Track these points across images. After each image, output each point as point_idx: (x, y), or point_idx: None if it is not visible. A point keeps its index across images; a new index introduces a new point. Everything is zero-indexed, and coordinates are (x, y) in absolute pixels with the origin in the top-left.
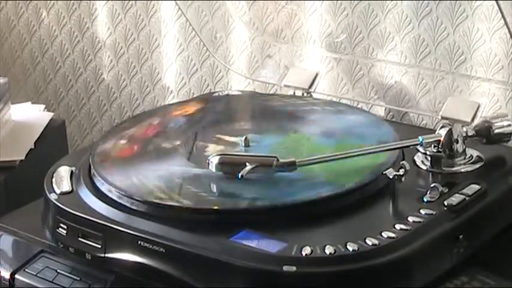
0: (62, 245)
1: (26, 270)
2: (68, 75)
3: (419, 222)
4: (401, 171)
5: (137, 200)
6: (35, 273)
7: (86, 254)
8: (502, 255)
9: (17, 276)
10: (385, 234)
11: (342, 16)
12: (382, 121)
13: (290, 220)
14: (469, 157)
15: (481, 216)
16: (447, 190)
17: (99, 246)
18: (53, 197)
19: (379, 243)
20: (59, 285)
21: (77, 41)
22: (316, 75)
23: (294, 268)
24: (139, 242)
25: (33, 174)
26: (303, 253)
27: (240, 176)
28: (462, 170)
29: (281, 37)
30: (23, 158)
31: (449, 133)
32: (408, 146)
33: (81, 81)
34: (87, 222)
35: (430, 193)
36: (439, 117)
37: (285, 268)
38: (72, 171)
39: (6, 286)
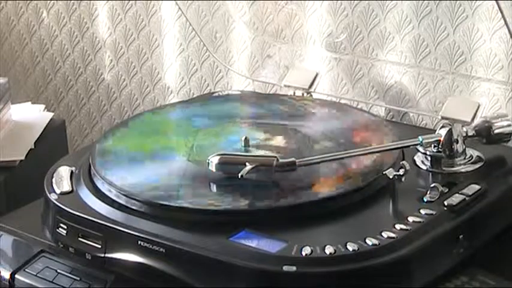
0: (62, 245)
1: (26, 270)
2: (68, 75)
3: (419, 222)
4: (401, 171)
5: (137, 200)
6: (35, 273)
7: (86, 254)
8: (502, 255)
9: (17, 276)
10: (385, 234)
11: (342, 16)
12: (382, 121)
13: (290, 220)
14: (469, 157)
15: (481, 216)
16: (447, 190)
17: (99, 246)
18: (53, 197)
19: (379, 243)
20: (59, 285)
21: (77, 41)
22: (316, 75)
23: (294, 268)
24: (139, 242)
25: (33, 174)
26: (303, 253)
27: (240, 176)
28: (462, 170)
29: (281, 37)
30: (23, 158)
31: (449, 133)
32: (408, 146)
33: (81, 81)
34: (87, 222)
35: (430, 193)
36: (439, 117)
37: (285, 268)
38: (72, 171)
39: (6, 286)
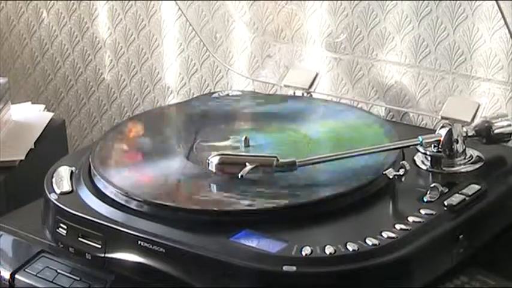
0: (62, 245)
1: (26, 270)
2: (68, 75)
3: (419, 222)
4: (401, 171)
5: (137, 200)
6: (35, 273)
7: (86, 254)
8: (502, 255)
9: (17, 276)
10: (385, 234)
11: (342, 16)
12: (382, 121)
13: (290, 220)
14: (469, 157)
15: (481, 216)
16: (447, 190)
17: (99, 246)
18: (53, 197)
19: (379, 243)
20: (59, 285)
21: (77, 41)
22: (316, 75)
23: (294, 268)
24: (139, 242)
25: (33, 174)
26: (303, 253)
27: (240, 176)
28: (462, 170)
29: (281, 37)
30: (23, 158)
31: (449, 133)
32: (408, 146)
33: (81, 81)
34: (87, 222)
35: (430, 193)
36: (439, 117)
37: (285, 268)
38: (72, 171)
39: (6, 286)
